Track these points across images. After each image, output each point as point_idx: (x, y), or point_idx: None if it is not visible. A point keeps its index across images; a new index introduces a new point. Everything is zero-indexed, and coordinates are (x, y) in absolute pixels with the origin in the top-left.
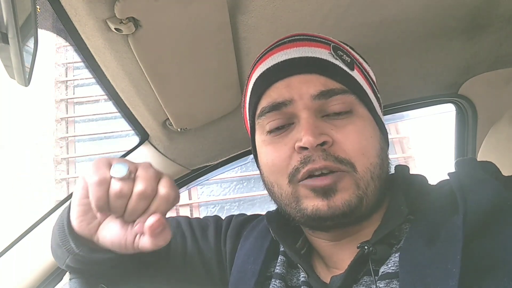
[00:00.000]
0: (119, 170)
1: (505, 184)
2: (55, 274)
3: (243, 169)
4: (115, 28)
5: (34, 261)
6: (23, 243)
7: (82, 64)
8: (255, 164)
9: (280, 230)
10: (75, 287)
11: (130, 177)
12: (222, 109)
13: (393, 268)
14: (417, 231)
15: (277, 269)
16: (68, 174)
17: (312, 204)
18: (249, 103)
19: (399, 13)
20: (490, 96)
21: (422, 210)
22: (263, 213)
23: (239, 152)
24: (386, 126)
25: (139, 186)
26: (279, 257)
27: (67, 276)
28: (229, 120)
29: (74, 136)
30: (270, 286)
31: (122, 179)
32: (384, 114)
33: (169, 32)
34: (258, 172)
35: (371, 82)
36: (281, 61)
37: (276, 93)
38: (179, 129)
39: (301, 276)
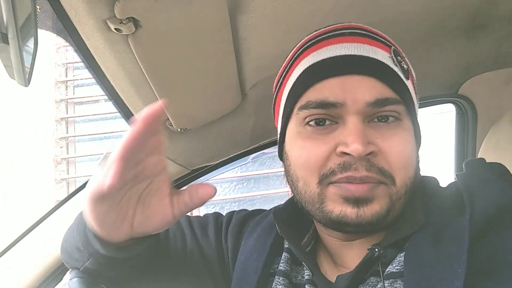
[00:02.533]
0: None
1: None
2: (55, 274)
3: (243, 169)
4: (115, 28)
5: (34, 261)
6: (23, 243)
7: (82, 64)
8: (279, 156)
9: (286, 227)
10: (75, 287)
11: None
12: (222, 109)
13: (397, 267)
14: (424, 231)
15: (280, 266)
16: (68, 174)
17: (340, 209)
18: (291, 91)
19: (399, 13)
20: (490, 96)
21: (430, 212)
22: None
23: (239, 152)
24: None
25: None
26: (283, 254)
27: (67, 276)
28: (229, 120)
29: (74, 136)
30: (274, 283)
31: None
32: None
33: (169, 32)
34: (258, 172)
35: (416, 92)
36: (339, 55)
37: (328, 90)
38: (179, 129)
39: (305, 274)
